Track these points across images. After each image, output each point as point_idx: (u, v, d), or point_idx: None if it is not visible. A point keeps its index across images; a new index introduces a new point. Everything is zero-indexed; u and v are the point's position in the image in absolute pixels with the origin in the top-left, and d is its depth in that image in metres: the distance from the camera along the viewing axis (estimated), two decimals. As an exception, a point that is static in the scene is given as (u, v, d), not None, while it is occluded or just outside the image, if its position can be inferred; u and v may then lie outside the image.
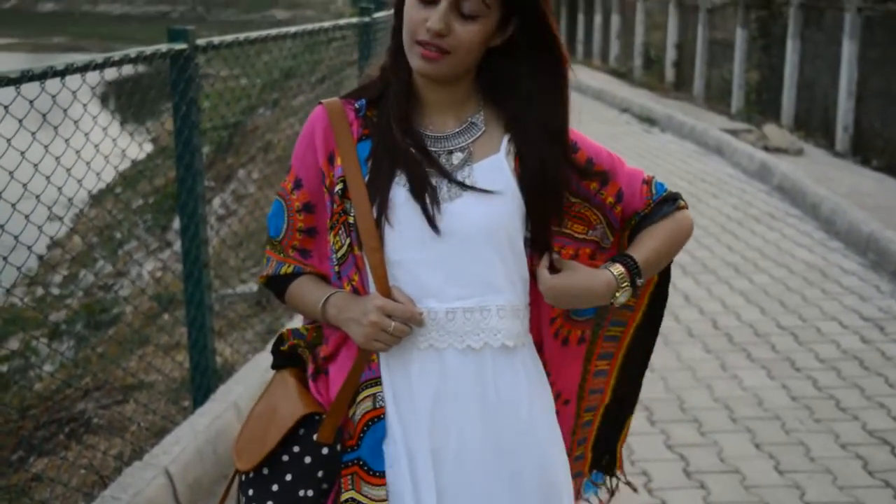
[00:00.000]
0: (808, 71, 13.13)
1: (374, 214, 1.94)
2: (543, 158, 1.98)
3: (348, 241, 1.98)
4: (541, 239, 2.01)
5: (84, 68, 3.51)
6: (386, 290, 1.94)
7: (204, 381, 4.58)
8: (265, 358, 4.92)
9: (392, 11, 2.06)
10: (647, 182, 2.17)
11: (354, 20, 6.30)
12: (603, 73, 21.52)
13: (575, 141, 2.05)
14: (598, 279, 2.00)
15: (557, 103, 2.00)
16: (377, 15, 6.59)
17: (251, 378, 4.72)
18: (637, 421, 4.67)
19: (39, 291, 10.93)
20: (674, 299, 6.56)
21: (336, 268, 2.02)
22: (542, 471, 2.04)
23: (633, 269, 2.03)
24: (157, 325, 7.83)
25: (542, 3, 1.93)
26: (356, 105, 2.03)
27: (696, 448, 4.58)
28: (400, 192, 1.94)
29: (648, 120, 15.06)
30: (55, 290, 11.33)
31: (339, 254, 2.00)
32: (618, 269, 2.02)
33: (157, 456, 3.97)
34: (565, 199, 2.02)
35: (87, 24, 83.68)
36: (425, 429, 1.97)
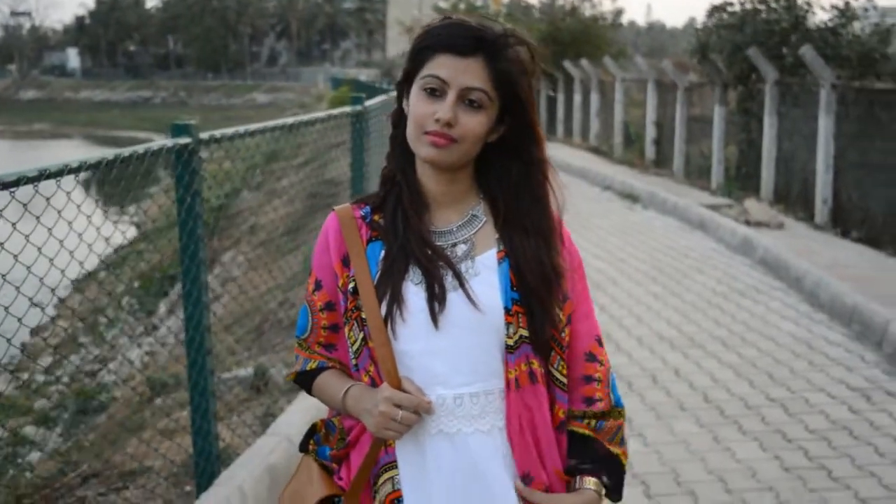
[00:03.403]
0: (786, 146, 13.42)
1: (383, 312, 2.07)
2: (529, 255, 2.10)
3: (361, 334, 2.11)
4: (539, 337, 2.09)
5: (97, 165, 3.63)
6: (396, 381, 2.06)
7: (208, 466, 4.63)
8: (267, 442, 4.99)
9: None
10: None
11: (348, 109, 6.48)
12: (584, 150, 21.85)
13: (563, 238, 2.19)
14: (584, 500, 2.12)
15: (541, 197, 2.14)
16: (369, 103, 6.79)
17: (254, 462, 4.77)
18: (633, 496, 4.77)
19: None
20: (664, 374, 6.68)
21: (354, 360, 2.15)
22: None
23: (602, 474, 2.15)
24: (150, 409, 7.87)
25: (528, 106, 2.09)
26: (362, 212, 2.18)
27: (693, 521, 4.65)
28: (410, 288, 2.07)
29: (631, 197, 15.30)
30: (40, 377, 11.34)
31: (355, 347, 2.14)
32: (590, 481, 2.13)
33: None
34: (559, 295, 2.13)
35: (68, 111, 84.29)
36: None
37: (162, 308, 15.06)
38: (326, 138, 7.76)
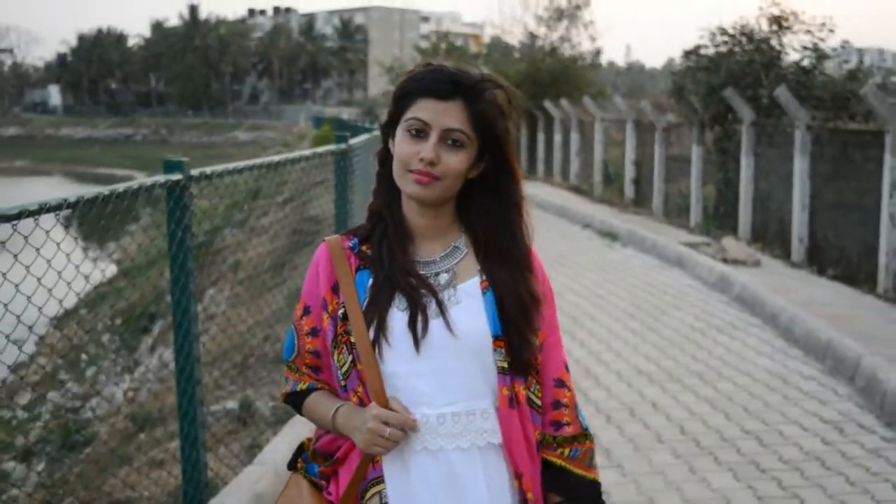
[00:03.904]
0: (763, 185, 13.65)
1: (371, 336, 2.22)
2: (509, 286, 2.26)
3: (350, 357, 2.26)
4: (519, 363, 2.26)
5: (93, 201, 3.76)
6: (383, 401, 2.21)
7: (196, 495, 4.73)
8: (254, 471, 5.10)
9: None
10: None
11: (333, 147, 6.64)
12: (564, 189, 22.07)
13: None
14: None
15: (517, 230, 2.30)
16: (352, 142, 6.96)
17: (241, 491, 4.88)
18: (612, 524, 4.88)
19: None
20: (642, 407, 6.81)
21: (342, 382, 2.29)
22: None
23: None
24: (136, 443, 7.95)
25: (505, 146, 2.26)
26: (350, 243, 2.33)
27: (669, 549, 4.76)
28: (396, 314, 2.23)
29: (610, 235, 15.48)
30: (22, 413, 11.36)
31: (344, 369, 2.28)
32: None
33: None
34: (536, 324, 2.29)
35: (49, 148, 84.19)
36: None
37: (144, 345, 15.14)
38: (310, 176, 7.89)
